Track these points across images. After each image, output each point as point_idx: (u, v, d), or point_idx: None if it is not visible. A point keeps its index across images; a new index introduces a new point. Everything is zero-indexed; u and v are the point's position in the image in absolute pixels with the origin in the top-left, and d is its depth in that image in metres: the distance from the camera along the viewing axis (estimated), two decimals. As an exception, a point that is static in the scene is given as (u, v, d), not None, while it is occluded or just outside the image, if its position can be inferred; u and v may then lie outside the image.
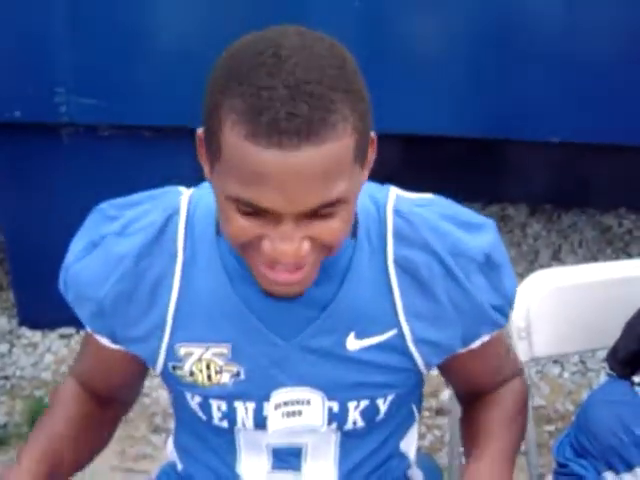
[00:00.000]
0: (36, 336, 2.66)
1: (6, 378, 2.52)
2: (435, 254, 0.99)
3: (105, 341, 1.06)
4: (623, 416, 1.25)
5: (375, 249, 0.99)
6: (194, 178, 2.47)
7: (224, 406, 1.04)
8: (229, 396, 1.03)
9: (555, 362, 2.56)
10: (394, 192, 1.02)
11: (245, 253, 0.90)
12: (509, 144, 2.81)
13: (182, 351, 1.01)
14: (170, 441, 1.21)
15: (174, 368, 1.03)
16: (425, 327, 1.00)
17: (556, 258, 3.03)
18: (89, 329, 1.06)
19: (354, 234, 0.97)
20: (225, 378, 1.02)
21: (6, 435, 2.32)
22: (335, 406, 1.03)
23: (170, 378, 1.05)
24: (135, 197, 1.04)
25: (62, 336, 2.65)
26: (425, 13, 2.27)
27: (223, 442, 1.10)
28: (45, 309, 2.62)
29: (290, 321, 0.99)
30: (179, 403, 1.11)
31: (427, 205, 1.02)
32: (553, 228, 3.19)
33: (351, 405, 1.04)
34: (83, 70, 2.27)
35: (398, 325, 1.00)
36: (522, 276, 1.25)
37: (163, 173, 2.41)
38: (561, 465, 1.30)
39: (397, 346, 1.01)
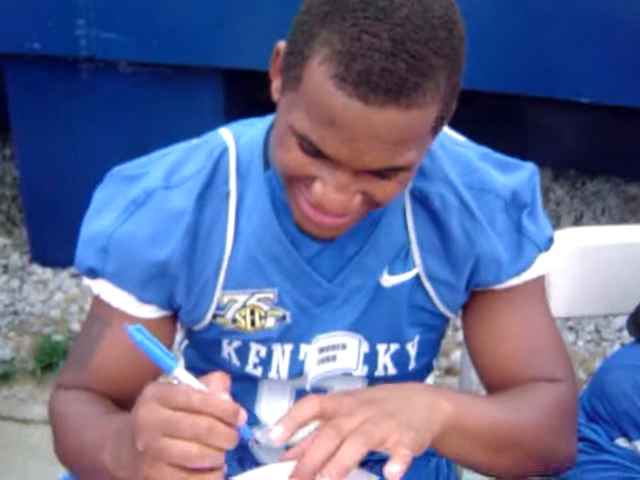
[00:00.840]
0: (47, 273, 2.65)
1: (15, 313, 2.51)
2: (451, 185, 0.95)
3: (150, 311, 0.96)
4: None
5: None
6: (215, 119, 2.44)
7: (263, 351, 1.00)
8: (271, 339, 0.99)
9: (570, 329, 2.53)
10: None
11: (291, 185, 0.85)
12: (536, 105, 2.75)
13: (225, 299, 0.96)
14: None
15: (215, 317, 0.98)
16: (439, 263, 0.97)
17: (578, 224, 2.98)
18: (135, 302, 0.95)
19: None
20: (270, 322, 0.98)
21: (12, 370, 2.32)
22: (366, 347, 1.01)
23: (209, 328, 0.99)
24: (147, 156, 0.97)
25: (73, 275, 2.63)
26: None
27: (246, 388, 1.06)
28: (57, 247, 2.60)
29: (333, 260, 0.96)
30: (203, 353, 1.05)
31: (464, 144, 0.99)
32: (576, 194, 3.13)
33: (381, 348, 1.01)
34: (105, 3, 2.22)
35: (415, 261, 0.97)
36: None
37: (183, 113, 2.38)
38: None
39: (419, 284, 0.98)
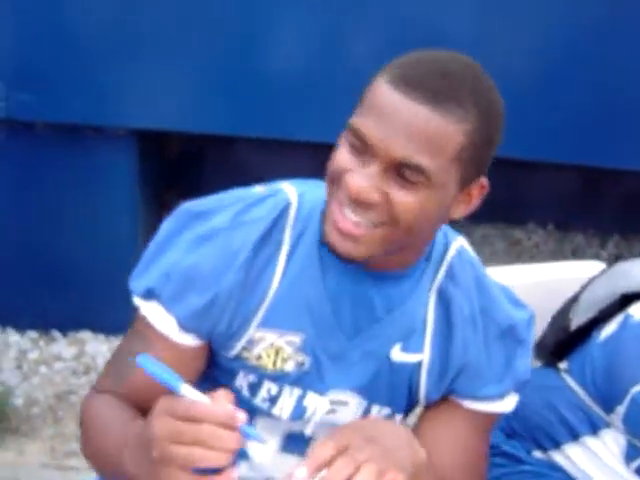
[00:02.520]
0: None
1: None
2: (470, 302, 1.07)
3: (190, 339, 1.03)
4: (551, 398, 1.38)
5: (429, 275, 1.07)
6: (129, 179, 2.52)
7: (274, 390, 1.08)
8: (285, 381, 1.07)
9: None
10: (460, 241, 1.12)
11: (331, 191, 0.97)
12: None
13: (257, 335, 1.05)
14: None
15: (243, 349, 1.06)
16: (439, 358, 1.08)
17: (469, 269, 3.16)
18: (178, 329, 1.02)
19: (428, 257, 1.06)
20: (289, 366, 1.06)
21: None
22: (363, 406, 1.10)
23: (233, 359, 1.07)
24: (216, 196, 1.06)
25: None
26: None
27: None
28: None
29: (357, 319, 1.05)
30: (217, 379, 1.11)
31: (486, 271, 1.12)
32: (466, 241, 3.31)
33: (374, 409, 1.11)
34: (22, 66, 2.28)
35: (424, 348, 1.08)
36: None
37: (100, 173, 2.46)
38: (492, 447, 1.41)
39: (418, 369, 1.08)
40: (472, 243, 3.53)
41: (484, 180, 1.01)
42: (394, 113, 0.92)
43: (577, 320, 1.42)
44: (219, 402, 0.83)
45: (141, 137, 2.48)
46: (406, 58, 0.97)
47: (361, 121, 0.94)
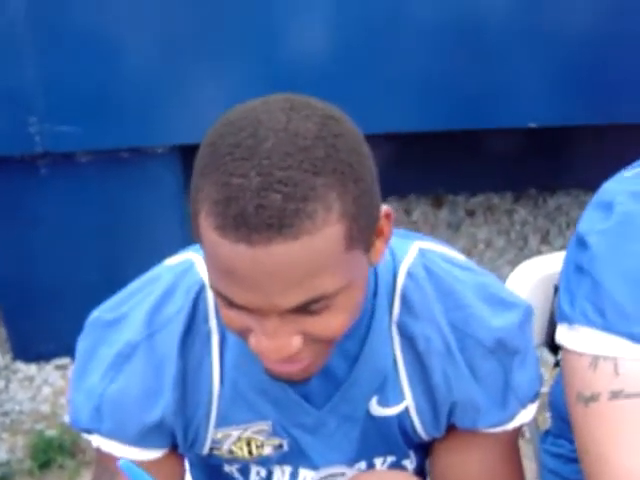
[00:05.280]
0: (31, 369, 2.63)
1: (5, 414, 2.49)
2: (437, 326, 0.93)
3: (154, 453, 0.98)
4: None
5: (385, 310, 0.94)
6: (176, 195, 2.46)
7: (263, 472, 1.02)
8: (270, 463, 1.01)
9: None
10: (416, 248, 0.95)
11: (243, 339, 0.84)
12: (485, 133, 2.81)
13: (219, 435, 0.97)
14: None
15: (212, 449, 0.99)
16: (424, 400, 0.97)
17: (545, 242, 3.03)
18: (133, 449, 0.96)
19: (375, 292, 0.92)
20: (267, 450, 0.99)
21: (10, 472, 2.29)
22: (363, 465, 1.02)
23: (209, 457, 1.01)
24: (124, 292, 0.97)
25: (58, 367, 2.62)
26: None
27: None
28: (38, 341, 2.60)
29: (320, 387, 0.95)
30: (207, 471, 1.07)
31: (461, 269, 0.96)
32: (539, 213, 3.18)
33: (377, 461, 1.02)
34: (54, 97, 2.23)
35: (404, 394, 0.96)
36: (513, 264, 1.21)
37: (146, 194, 2.41)
38: (561, 457, 1.29)
39: (407, 414, 0.98)
40: (546, 215, 3.36)
41: (385, 209, 0.82)
42: (254, 272, 0.73)
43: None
44: None
45: (184, 152, 2.41)
46: (214, 175, 0.73)
47: (222, 286, 0.76)
